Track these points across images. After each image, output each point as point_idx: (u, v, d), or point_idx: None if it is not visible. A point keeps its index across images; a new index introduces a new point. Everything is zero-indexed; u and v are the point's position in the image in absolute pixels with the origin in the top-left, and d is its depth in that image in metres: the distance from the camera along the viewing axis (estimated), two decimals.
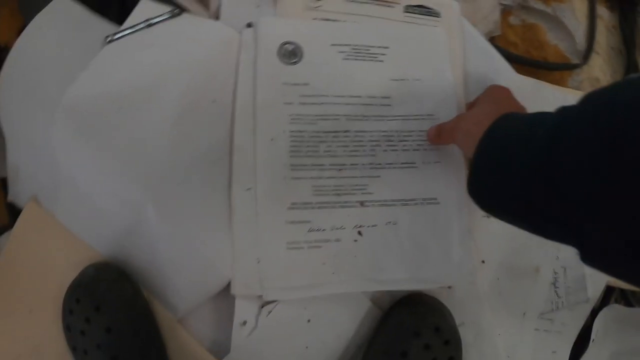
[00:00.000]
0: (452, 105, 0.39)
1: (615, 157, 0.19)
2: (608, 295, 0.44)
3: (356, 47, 0.39)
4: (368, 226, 0.36)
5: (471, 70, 0.42)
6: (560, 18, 0.48)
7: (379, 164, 0.37)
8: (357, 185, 0.36)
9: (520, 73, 0.44)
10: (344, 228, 0.35)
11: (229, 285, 0.35)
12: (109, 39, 0.37)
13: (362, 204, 0.36)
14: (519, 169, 0.24)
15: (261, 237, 0.34)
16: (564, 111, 0.24)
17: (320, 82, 0.37)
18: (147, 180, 0.34)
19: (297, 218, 0.35)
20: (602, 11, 0.54)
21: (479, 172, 0.28)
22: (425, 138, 0.38)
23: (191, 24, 0.38)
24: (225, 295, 0.35)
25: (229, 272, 0.34)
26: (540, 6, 0.48)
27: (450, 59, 0.40)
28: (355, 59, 0.39)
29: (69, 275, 0.34)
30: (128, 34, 0.37)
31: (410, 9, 0.42)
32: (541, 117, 0.25)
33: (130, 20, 0.38)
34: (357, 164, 0.37)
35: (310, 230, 0.35)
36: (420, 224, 0.37)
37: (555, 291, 0.41)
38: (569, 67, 0.47)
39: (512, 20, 0.48)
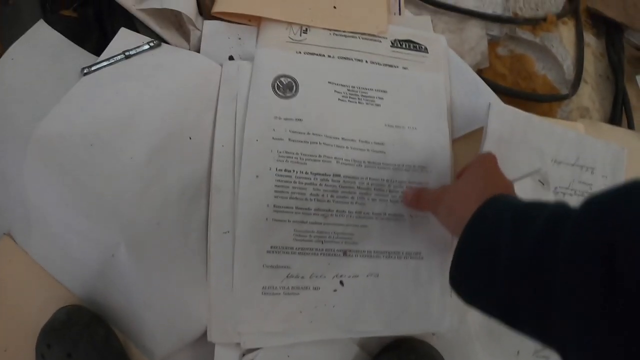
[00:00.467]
0: (445, 158, 0.38)
1: (613, 278, 0.17)
2: None
3: (353, 88, 0.38)
4: (349, 276, 0.34)
5: (458, 104, 0.41)
6: (548, 48, 0.48)
7: (367, 213, 0.35)
8: (342, 233, 0.35)
9: (509, 104, 0.42)
10: (324, 277, 0.34)
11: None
12: (85, 70, 0.36)
13: (345, 253, 0.35)
14: (506, 268, 0.23)
15: (237, 280, 0.33)
16: (560, 212, 0.22)
17: (314, 120, 0.36)
18: (119, 220, 0.32)
19: (276, 262, 0.33)
20: (590, 38, 0.53)
21: (463, 264, 0.27)
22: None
23: (169, 55, 0.36)
24: (204, 341, 0.33)
25: (206, 317, 0.33)
26: (529, 36, 0.47)
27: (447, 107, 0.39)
28: (351, 101, 0.37)
29: (43, 315, 0.32)
30: (105, 65, 0.36)
31: (397, 43, 0.41)
32: (534, 211, 0.24)
33: (107, 51, 0.36)
34: (344, 211, 0.35)
35: (288, 277, 0.33)
36: (402, 278, 0.35)
37: None
38: (558, 98, 0.47)
39: (500, 51, 0.48)
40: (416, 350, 0.34)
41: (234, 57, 0.38)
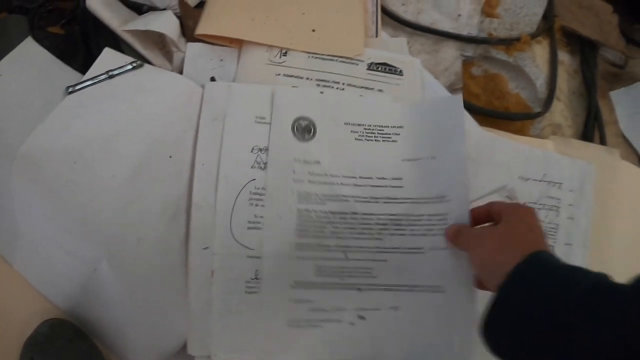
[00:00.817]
0: (464, 184, 0.37)
1: None
2: None
3: (369, 127, 0.38)
4: (370, 309, 0.35)
5: None
6: (522, 67, 0.49)
7: (385, 248, 0.36)
8: (361, 268, 0.36)
9: (483, 123, 0.45)
10: (345, 309, 0.35)
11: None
12: (70, 89, 0.37)
13: (364, 287, 0.35)
14: (547, 330, 0.23)
15: (265, 312, 0.34)
16: (603, 282, 0.23)
17: (331, 161, 0.37)
18: (100, 236, 0.34)
19: (300, 297, 0.35)
20: (564, 56, 0.55)
21: (500, 316, 0.26)
22: (433, 223, 0.36)
23: (152, 76, 0.38)
24: (185, 354, 0.34)
25: (186, 330, 0.34)
26: (502, 56, 0.49)
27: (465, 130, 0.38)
28: (368, 140, 0.38)
29: (28, 328, 0.33)
30: (89, 85, 0.37)
31: (373, 66, 0.42)
32: (579, 276, 0.24)
33: (92, 71, 0.37)
34: (363, 247, 0.36)
35: (312, 310, 0.35)
36: (424, 311, 0.35)
37: None
38: (530, 116, 0.48)
39: (474, 70, 0.49)
40: None
41: (216, 78, 0.39)
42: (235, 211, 0.35)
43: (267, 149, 0.36)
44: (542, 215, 0.44)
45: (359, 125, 0.39)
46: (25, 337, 0.33)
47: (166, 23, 0.39)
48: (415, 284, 0.36)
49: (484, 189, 0.40)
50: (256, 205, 0.35)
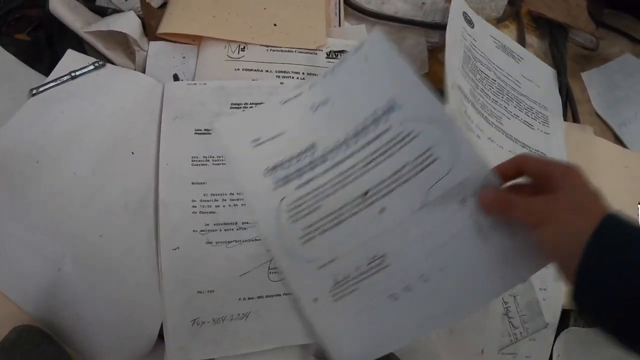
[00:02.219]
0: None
1: None
2: (566, 318, 0.42)
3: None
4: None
5: None
6: None
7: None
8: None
9: None
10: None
11: (160, 345, 0.33)
12: (34, 91, 0.37)
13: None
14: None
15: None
16: None
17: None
18: (63, 233, 0.33)
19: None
20: (532, 40, 0.54)
21: (592, 280, 0.23)
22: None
23: (113, 75, 0.38)
24: (156, 356, 0.33)
25: (155, 328, 0.33)
26: None
27: None
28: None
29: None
30: (52, 86, 0.37)
31: (332, 54, 0.42)
32: None
33: (55, 72, 0.37)
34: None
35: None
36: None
37: (510, 322, 0.39)
38: None
39: (442, 57, 0.48)
40: None
41: (179, 74, 0.39)
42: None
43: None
44: None
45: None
46: None
47: (128, 23, 0.39)
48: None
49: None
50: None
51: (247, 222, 0.34)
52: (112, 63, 0.39)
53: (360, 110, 0.34)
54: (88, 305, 0.33)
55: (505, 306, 0.40)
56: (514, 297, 0.40)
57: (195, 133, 0.36)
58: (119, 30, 0.38)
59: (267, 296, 0.34)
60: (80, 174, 0.34)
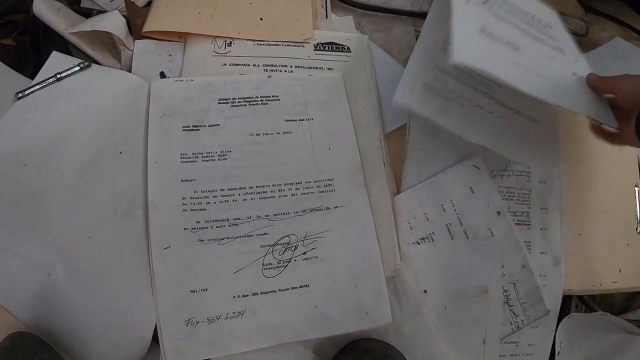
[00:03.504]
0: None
1: None
2: (567, 304, 0.41)
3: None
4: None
5: (387, 99, 0.40)
6: None
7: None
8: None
9: None
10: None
11: (155, 348, 0.31)
12: (20, 95, 0.35)
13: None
14: None
15: None
16: None
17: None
18: (52, 238, 0.31)
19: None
20: None
21: None
22: None
23: (99, 75, 0.36)
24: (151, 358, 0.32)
25: (149, 331, 0.31)
26: None
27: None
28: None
29: None
30: (38, 89, 0.35)
31: (320, 46, 0.40)
32: None
33: (41, 75, 0.36)
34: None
35: None
36: None
37: (511, 310, 0.38)
38: None
39: None
40: (372, 351, 0.32)
41: (165, 72, 0.38)
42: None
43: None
44: (512, 181, 0.41)
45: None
46: None
47: (112, 22, 0.37)
48: None
49: (444, 161, 0.38)
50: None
51: (239, 218, 0.33)
52: (98, 63, 0.37)
53: None
54: (80, 309, 0.31)
55: (505, 294, 0.38)
56: (514, 284, 0.39)
57: (184, 130, 0.35)
58: (104, 29, 0.36)
59: (262, 293, 0.32)
60: (67, 176, 0.32)
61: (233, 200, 0.33)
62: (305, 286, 0.33)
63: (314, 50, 0.40)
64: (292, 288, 0.32)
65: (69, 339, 0.32)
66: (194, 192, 0.33)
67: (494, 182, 0.40)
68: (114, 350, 0.32)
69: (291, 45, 0.40)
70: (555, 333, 0.38)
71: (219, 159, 0.34)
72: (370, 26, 0.44)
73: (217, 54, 0.38)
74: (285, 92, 0.37)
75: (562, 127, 0.43)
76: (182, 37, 0.39)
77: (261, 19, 0.40)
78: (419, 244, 0.38)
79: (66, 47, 0.38)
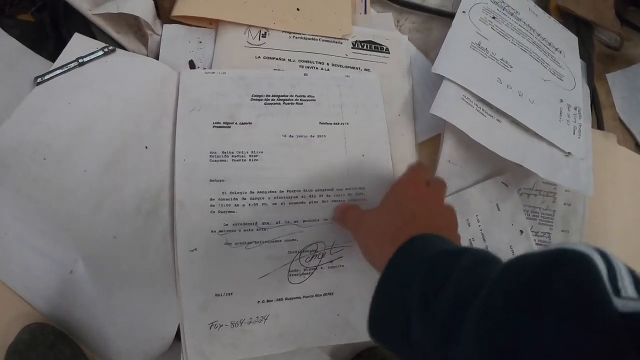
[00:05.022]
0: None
1: None
2: None
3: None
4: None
5: (422, 106, 0.37)
6: None
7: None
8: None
9: None
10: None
11: (176, 345, 0.30)
12: (39, 80, 0.31)
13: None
14: (416, 337, 0.19)
15: None
16: (470, 282, 0.18)
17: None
18: (74, 236, 0.29)
19: None
20: None
21: (378, 317, 0.22)
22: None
23: (124, 61, 0.33)
24: (171, 356, 0.30)
25: (172, 330, 0.30)
26: None
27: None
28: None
29: (10, 334, 0.29)
30: (58, 74, 0.32)
31: (358, 44, 0.37)
32: (444, 271, 0.20)
33: (61, 59, 0.32)
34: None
35: None
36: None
37: None
38: None
39: None
40: (389, 357, 0.31)
41: (195, 61, 0.34)
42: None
43: None
44: (538, 201, 0.39)
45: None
46: (8, 341, 0.29)
47: (140, 5, 0.33)
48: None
49: (478, 173, 0.36)
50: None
51: (268, 223, 0.31)
52: (123, 48, 0.34)
53: None
54: (101, 306, 0.29)
55: None
56: None
57: (214, 126, 0.32)
58: (130, 12, 0.32)
59: (286, 299, 0.31)
60: (90, 172, 0.30)
61: (262, 204, 0.31)
62: (330, 294, 0.31)
63: (352, 48, 0.36)
64: (316, 295, 0.31)
65: (89, 333, 0.30)
66: (223, 193, 0.31)
67: (520, 200, 0.38)
68: (135, 345, 0.30)
69: (329, 41, 0.36)
70: None
71: (249, 160, 0.31)
72: (409, 25, 0.41)
73: (250, 45, 0.35)
74: (321, 92, 0.34)
75: (592, 150, 0.40)
76: (213, 24, 0.35)
77: (298, 9, 0.36)
78: None
79: (88, 28, 0.34)
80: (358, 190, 0.33)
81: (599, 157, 0.41)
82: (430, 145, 0.37)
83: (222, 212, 0.31)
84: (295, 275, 0.31)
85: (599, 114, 0.46)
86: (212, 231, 0.30)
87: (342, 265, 0.32)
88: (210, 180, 0.31)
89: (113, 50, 0.33)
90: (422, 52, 0.39)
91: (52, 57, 0.33)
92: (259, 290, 0.31)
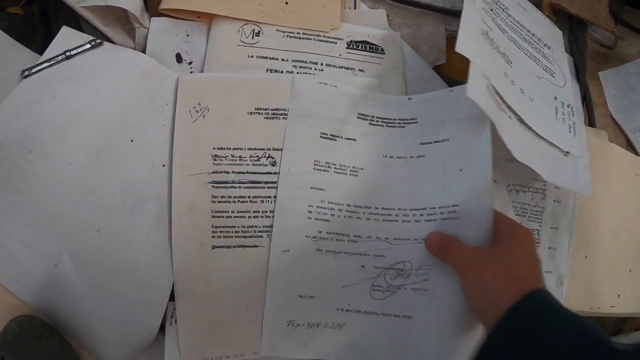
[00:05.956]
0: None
1: None
2: None
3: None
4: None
5: None
6: None
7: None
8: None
9: None
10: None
11: (159, 339, 0.30)
12: (26, 73, 0.31)
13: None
14: None
15: None
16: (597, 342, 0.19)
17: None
18: (59, 229, 0.29)
19: None
20: None
21: (491, 356, 0.22)
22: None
23: (111, 54, 0.32)
24: (156, 349, 0.30)
25: (156, 324, 0.30)
26: None
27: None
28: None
29: None
30: (46, 67, 0.31)
31: (352, 44, 0.36)
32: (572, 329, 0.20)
33: (49, 52, 0.31)
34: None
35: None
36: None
37: None
38: None
39: None
40: None
41: (182, 54, 0.33)
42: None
43: None
44: (527, 197, 0.38)
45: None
46: None
47: None
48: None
49: None
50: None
51: (359, 236, 0.31)
52: (111, 41, 0.33)
53: None
54: (86, 300, 0.29)
55: None
56: None
57: (321, 136, 0.32)
58: (118, 5, 0.31)
59: (364, 312, 0.30)
60: (75, 165, 0.29)
61: (357, 217, 0.31)
62: (408, 317, 0.30)
63: (347, 48, 0.35)
64: (394, 315, 0.30)
65: (75, 326, 0.30)
66: (321, 201, 0.31)
67: (509, 197, 0.37)
68: (120, 339, 0.30)
69: (323, 41, 0.35)
70: None
71: (350, 174, 0.32)
72: (399, 20, 0.39)
73: (243, 44, 0.34)
74: (424, 113, 0.33)
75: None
76: (201, 17, 0.34)
77: (287, 3, 0.35)
78: None
79: (77, 21, 0.33)
80: (451, 208, 0.30)
81: (590, 154, 0.40)
82: None
83: (318, 219, 0.31)
84: (377, 290, 0.31)
85: (591, 111, 0.44)
86: (306, 236, 0.30)
87: (426, 290, 0.30)
88: (311, 188, 0.31)
89: (100, 44, 0.32)
90: (412, 48, 0.38)
91: (41, 51, 0.32)
92: (341, 298, 0.30)
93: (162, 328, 0.30)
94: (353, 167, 0.32)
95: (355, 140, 0.32)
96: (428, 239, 0.29)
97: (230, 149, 0.32)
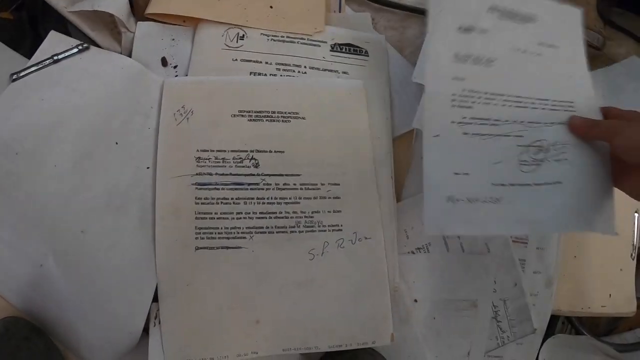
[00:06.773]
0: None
1: None
2: (553, 324, 0.39)
3: None
4: None
5: (398, 102, 0.36)
6: None
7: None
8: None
9: None
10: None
11: (143, 341, 0.29)
12: (14, 76, 0.31)
13: None
14: None
15: None
16: None
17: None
18: (44, 231, 0.28)
19: None
20: None
21: None
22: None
23: (97, 59, 0.32)
24: (140, 352, 0.30)
25: (139, 327, 0.29)
26: None
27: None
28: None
29: None
30: (33, 70, 0.31)
31: (337, 47, 0.36)
32: None
33: (37, 56, 0.31)
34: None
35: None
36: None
37: (498, 325, 0.36)
38: None
39: None
40: (359, 357, 0.30)
41: (167, 58, 0.33)
42: None
43: None
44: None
45: None
46: None
47: (115, 2, 0.32)
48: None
49: None
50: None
51: (499, 120, 0.32)
52: (98, 45, 0.33)
53: None
54: (72, 301, 0.29)
55: (494, 310, 0.36)
56: (504, 301, 0.36)
57: (459, 30, 0.32)
58: (105, 10, 0.31)
59: (519, 184, 0.31)
60: (60, 167, 0.29)
61: (494, 104, 0.32)
62: (559, 182, 0.32)
63: (331, 51, 0.35)
64: (546, 183, 0.32)
65: (60, 328, 0.29)
66: (463, 90, 0.32)
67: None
68: (105, 341, 0.29)
69: (307, 44, 0.35)
70: (539, 351, 0.36)
71: (485, 65, 0.33)
72: (384, 23, 0.39)
73: (228, 48, 0.34)
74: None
75: None
76: (186, 22, 0.34)
77: (271, 7, 0.35)
78: (413, 253, 0.35)
79: (65, 26, 0.33)
80: (567, 104, 0.33)
81: None
82: (405, 139, 0.36)
83: (461, 106, 0.32)
84: (524, 165, 0.32)
85: None
86: (452, 122, 0.31)
87: (567, 159, 0.32)
88: (453, 78, 0.32)
89: (87, 48, 0.32)
90: (397, 50, 0.37)
91: (30, 55, 0.32)
92: (493, 174, 0.31)
93: (146, 329, 0.30)
94: (488, 59, 0.33)
95: (488, 31, 0.33)
96: (571, 122, 0.32)
97: (214, 151, 0.31)
